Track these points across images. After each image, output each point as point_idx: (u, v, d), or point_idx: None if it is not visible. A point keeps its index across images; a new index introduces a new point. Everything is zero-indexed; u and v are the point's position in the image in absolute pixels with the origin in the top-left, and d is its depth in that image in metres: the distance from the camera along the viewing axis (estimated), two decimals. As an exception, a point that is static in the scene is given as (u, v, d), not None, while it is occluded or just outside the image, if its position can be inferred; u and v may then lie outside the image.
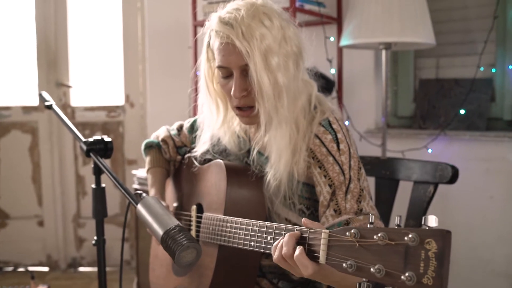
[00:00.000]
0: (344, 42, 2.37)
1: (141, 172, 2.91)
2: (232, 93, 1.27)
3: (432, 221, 0.76)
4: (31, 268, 3.68)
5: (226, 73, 1.29)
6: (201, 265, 1.35)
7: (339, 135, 1.29)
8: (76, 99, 3.72)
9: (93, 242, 1.38)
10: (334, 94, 2.63)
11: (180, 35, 3.39)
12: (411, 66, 2.84)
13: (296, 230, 1.01)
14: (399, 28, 2.21)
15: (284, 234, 1.02)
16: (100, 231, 1.41)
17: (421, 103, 2.73)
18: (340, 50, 2.72)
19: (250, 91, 1.26)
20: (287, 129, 1.28)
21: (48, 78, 3.65)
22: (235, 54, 1.23)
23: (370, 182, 1.43)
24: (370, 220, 0.86)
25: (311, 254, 0.96)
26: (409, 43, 2.35)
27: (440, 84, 2.70)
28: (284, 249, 0.99)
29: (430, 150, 2.53)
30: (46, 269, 3.75)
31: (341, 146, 1.28)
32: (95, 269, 3.55)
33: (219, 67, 1.29)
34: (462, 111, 2.52)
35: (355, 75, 2.80)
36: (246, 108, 1.30)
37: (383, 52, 2.40)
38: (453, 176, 1.62)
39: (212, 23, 1.30)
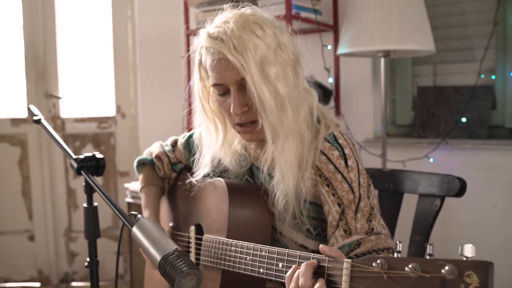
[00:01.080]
0: (341, 50, 2.31)
1: (133, 185, 2.83)
2: (231, 110, 1.20)
3: (469, 250, 0.69)
4: (22, 284, 3.60)
5: (223, 90, 1.22)
6: (202, 290, 1.27)
7: (346, 151, 1.23)
8: (66, 111, 3.63)
9: (86, 264, 1.31)
10: (332, 103, 2.57)
11: (172, 44, 3.32)
12: (409, 74, 2.79)
13: (313, 258, 0.94)
14: (398, 36, 2.16)
15: (299, 262, 0.94)
16: (92, 252, 1.35)
17: (420, 111, 2.68)
18: (337, 58, 2.66)
19: (250, 105, 1.19)
20: (293, 141, 1.20)
21: (36, 89, 3.56)
22: (229, 69, 1.17)
23: (373, 195, 1.36)
24: (398, 249, 0.79)
25: (331, 285, 0.89)
26: (408, 50, 2.30)
27: (439, 92, 2.65)
28: (301, 281, 0.91)
29: (431, 160, 2.47)
30: (37, 284, 3.66)
31: (349, 162, 1.21)
32: (87, 284, 3.48)
33: (214, 85, 1.22)
34: (463, 119, 2.47)
35: (352, 84, 2.74)
36: (248, 124, 1.23)
37: (382, 60, 2.34)
38: (461, 189, 1.56)
39: (201, 39, 1.23)
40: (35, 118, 1.51)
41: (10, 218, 3.64)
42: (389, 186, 1.72)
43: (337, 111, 2.62)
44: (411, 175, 1.68)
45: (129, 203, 2.84)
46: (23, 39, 3.52)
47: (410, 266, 0.73)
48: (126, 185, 2.92)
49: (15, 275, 3.66)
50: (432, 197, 1.60)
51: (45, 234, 3.65)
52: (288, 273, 0.97)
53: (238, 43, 1.14)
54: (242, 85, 1.18)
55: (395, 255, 0.78)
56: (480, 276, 0.66)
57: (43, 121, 1.49)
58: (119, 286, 3.53)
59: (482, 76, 2.45)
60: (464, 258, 0.69)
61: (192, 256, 1.38)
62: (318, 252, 1.28)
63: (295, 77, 1.21)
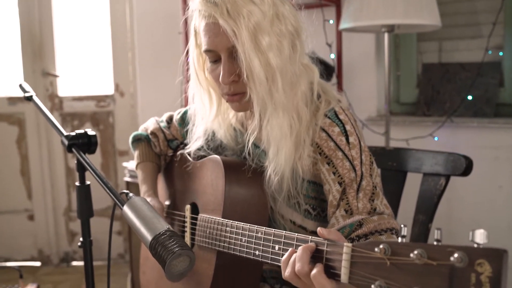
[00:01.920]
0: (344, 25, 2.23)
1: (132, 164, 2.78)
2: (220, 79, 1.14)
3: (481, 236, 0.63)
4: (22, 264, 3.58)
5: (214, 57, 1.16)
6: (198, 272, 1.22)
7: (348, 127, 1.16)
8: (64, 89, 3.57)
9: (79, 244, 1.27)
10: (334, 80, 2.50)
11: (170, 20, 3.25)
12: (414, 50, 2.71)
13: (311, 241, 0.88)
14: (403, 9, 2.07)
15: (296, 246, 0.89)
16: (86, 232, 1.31)
17: (425, 89, 2.61)
18: (339, 34, 2.59)
19: (240, 75, 1.13)
20: (285, 117, 1.14)
21: (33, 68, 3.49)
22: (221, 35, 1.10)
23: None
24: (402, 233, 0.73)
25: (329, 270, 0.83)
26: (413, 25, 2.22)
27: (444, 69, 2.58)
28: (298, 266, 0.86)
29: (436, 138, 2.41)
30: (38, 264, 3.65)
31: (351, 139, 1.15)
32: (87, 264, 3.47)
33: (206, 50, 1.16)
34: (469, 97, 2.40)
35: (355, 60, 2.67)
36: (236, 94, 1.17)
37: (386, 35, 2.27)
38: (467, 168, 1.50)
39: (195, 2, 1.16)
40: (26, 94, 1.46)
41: (9, 198, 3.62)
42: (392, 164, 1.67)
43: (339, 88, 2.55)
44: (415, 154, 1.62)
45: (127, 182, 2.80)
46: (19, 17, 3.45)
47: (415, 252, 0.67)
48: (125, 164, 2.88)
49: (16, 255, 3.65)
50: (437, 176, 1.54)
51: (44, 213, 3.62)
52: (284, 257, 0.92)
53: (232, 8, 1.08)
54: (233, 53, 1.12)
55: (399, 239, 0.72)
56: (492, 264, 0.60)
57: (35, 98, 1.45)
58: (120, 266, 3.52)
59: (490, 52, 2.38)
60: (475, 245, 0.63)
61: (188, 236, 1.33)
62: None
63: (291, 50, 1.14)
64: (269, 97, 1.11)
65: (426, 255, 0.66)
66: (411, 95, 2.72)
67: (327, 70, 2.40)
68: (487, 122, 2.34)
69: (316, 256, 0.86)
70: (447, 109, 2.48)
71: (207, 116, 1.30)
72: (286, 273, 0.90)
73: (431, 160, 1.58)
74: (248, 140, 1.21)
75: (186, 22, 2.50)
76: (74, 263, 3.67)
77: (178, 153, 1.43)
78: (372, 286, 0.72)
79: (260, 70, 1.08)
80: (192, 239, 1.31)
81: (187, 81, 1.34)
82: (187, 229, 1.34)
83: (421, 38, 2.69)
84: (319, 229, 0.87)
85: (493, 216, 2.36)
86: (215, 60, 1.16)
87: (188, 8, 1.21)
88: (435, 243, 0.67)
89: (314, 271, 0.84)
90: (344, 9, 2.27)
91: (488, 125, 2.34)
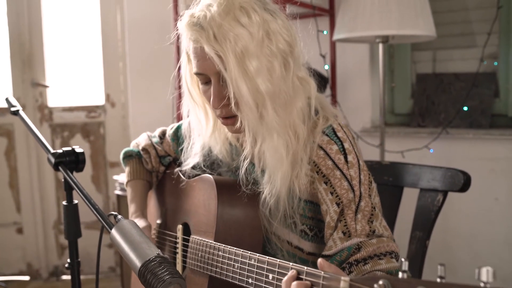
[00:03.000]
0: (338, 35, 2.20)
1: (122, 177, 2.73)
2: (211, 103, 1.11)
3: (487, 274, 0.59)
4: (11, 278, 3.51)
5: (205, 79, 1.12)
6: (189, 296, 1.18)
7: (346, 145, 1.12)
8: (54, 99, 3.51)
9: (66, 265, 1.22)
10: (328, 91, 2.47)
11: (162, 31, 3.19)
12: (408, 60, 2.68)
13: (307, 273, 0.83)
14: (398, 20, 2.05)
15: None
16: (73, 253, 1.26)
17: (419, 100, 2.58)
18: (333, 44, 2.56)
19: (231, 99, 1.08)
20: (279, 139, 1.10)
21: (23, 78, 3.43)
22: (209, 59, 1.06)
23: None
24: (404, 268, 0.68)
25: None
26: (408, 35, 2.19)
27: (439, 79, 2.55)
28: None
29: (431, 150, 2.38)
30: (27, 278, 3.58)
31: (349, 157, 1.11)
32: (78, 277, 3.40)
33: (196, 73, 1.12)
34: (465, 108, 2.37)
35: (348, 71, 2.64)
36: (229, 117, 1.13)
37: (380, 46, 2.24)
38: (465, 183, 1.48)
39: (182, 24, 1.12)
40: (12, 109, 1.42)
41: (-3, 211, 3.55)
42: (388, 179, 1.63)
43: (333, 100, 2.52)
44: (411, 168, 1.59)
45: (118, 196, 2.75)
46: (7, 26, 3.39)
47: None
48: (115, 177, 2.83)
49: (4, 269, 3.57)
50: (434, 192, 1.51)
51: (34, 226, 3.55)
52: None
53: (218, 32, 1.03)
54: (223, 77, 1.08)
55: (400, 274, 0.68)
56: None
57: (21, 113, 1.41)
58: (111, 279, 3.46)
59: (484, 62, 2.35)
60: (482, 284, 0.59)
61: (179, 258, 1.29)
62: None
63: (283, 69, 1.09)
64: (260, 122, 1.08)
65: (428, 294, 0.62)
66: (406, 105, 2.69)
67: (321, 82, 2.37)
68: (482, 133, 2.31)
69: None
70: (442, 120, 2.46)
71: (203, 131, 1.26)
72: None
73: (428, 175, 1.55)
74: (243, 162, 1.17)
75: (177, 31, 2.47)
76: (64, 277, 3.60)
77: (175, 170, 1.38)
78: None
79: (249, 96, 1.05)
80: (184, 261, 1.26)
81: (180, 96, 1.30)
82: (179, 251, 1.29)
83: (415, 48, 2.66)
84: (319, 261, 0.83)
85: (490, 228, 2.33)
86: (206, 82, 1.13)
87: (177, 29, 1.17)
88: (438, 280, 0.64)
89: None
90: (338, 19, 2.24)
91: (483, 136, 2.31)
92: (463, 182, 1.47)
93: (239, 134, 1.28)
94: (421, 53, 2.66)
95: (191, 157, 1.31)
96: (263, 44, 1.06)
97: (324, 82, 2.41)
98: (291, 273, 0.87)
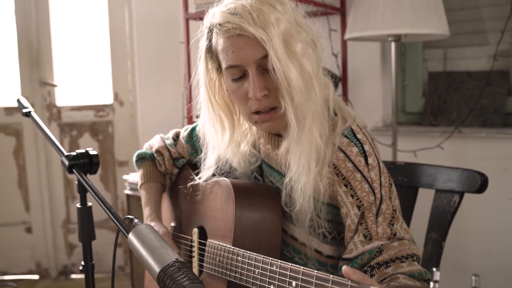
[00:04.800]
0: (350, 34, 2.18)
1: (132, 177, 2.72)
2: (251, 94, 1.07)
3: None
4: (20, 277, 3.51)
5: (239, 73, 1.09)
6: (206, 300, 1.17)
7: (366, 147, 1.11)
8: (62, 99, 3.50)
9: (80, 268, 1.21)
10: (340, 91, 2.45)
11: (170, 29, 3.20)
12: (420, 59, 2.66)
13: (333, 281, 0.82)
14: (411, 19, 2.02)
15: (315, 284, 0.83)
16: (87, 256, 1.25)
17: (431, 98, 2.55)
18: (344, 43, 2.53)
19: (271, 89, 1.07)
20: (318, 127, 1.07)
21: (31, 77, 3.43)
22: (248, 46, 1.04)
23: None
24: (435, 278, 0.66)
25: None
26: (421, 34, 2.17)
27: (451, 77, 2.52)
28: None
29: (444, 149, 2.36)
30: (36, 277, 3.58)
31: (370, 160, 1.09)
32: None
33: (230, 67, 1.09)
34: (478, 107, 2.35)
35: (360, 69, 2.61)
36: (267, 110, 1.10)
37: (392, 44, 2.22)
38: (482, 185, 1.46)
39: (213, 18, 1.10)
40: (24, 110, 1.41)
41: (6, 210, 3.55)
42: (403, 180, 1.62)
43: (345, 98, 2.50)
44: (427, 169, 1.57)
45: (128, 195, 2.74)
46: (15, 25, 3.38)
47: None
48: (125, 176, 2.82)
49: (13, 268, 3.57)
50: (450, 193, 1.49)
51: (42, 225, 3.55)
52: None
53: (258, 16, 1.02)
54: (261, 66, 1.06)
55: (432, 285, 0.66)
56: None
57: (33, 114, 1.40)
58: (120, 278, 3.46)
59: (498, 60, 2.33)
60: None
61: (195, 262, 1.28)
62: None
63: (317, 57, 1.09)
64: (307, 106, 1.05)
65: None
66: (417, 104, 2.67)
67: (333, 81, 2.36)
68: (495, 132, 2.29)
69: None
70: (454, 119, 2.43)
71: (219, 144, 1.23)
72: None
73: (444, 176, 1.53)
74: (279, 166, 1.14)
75: (187, 31, 2.45)
76: (73, 276, 3.60)
77: (189, 185, 1.35)
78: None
79: (298, 78, 1.03)
80: (200, 265, 1.25)
81: (190, 95, 1.28)
82: (195, 254, 1.28)
83: (426, 46, 2.64)
84: (344, 268, 0.81)
85: (503, 228, 2.31)
86: (239, 77, 1.10)
87: (201, 28, 1.14)
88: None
89: None
90: (349, 18, 2.21)
91: (496, 135, 2.28)
92: (480, 183, 1.45)
93: (256, 139, 1.26)
94: (433, 51, 2.63)
95: (205, 170, 1.27)
96: (298, 30, 1.06)
97: (336, 81, 2.39)
98: None
